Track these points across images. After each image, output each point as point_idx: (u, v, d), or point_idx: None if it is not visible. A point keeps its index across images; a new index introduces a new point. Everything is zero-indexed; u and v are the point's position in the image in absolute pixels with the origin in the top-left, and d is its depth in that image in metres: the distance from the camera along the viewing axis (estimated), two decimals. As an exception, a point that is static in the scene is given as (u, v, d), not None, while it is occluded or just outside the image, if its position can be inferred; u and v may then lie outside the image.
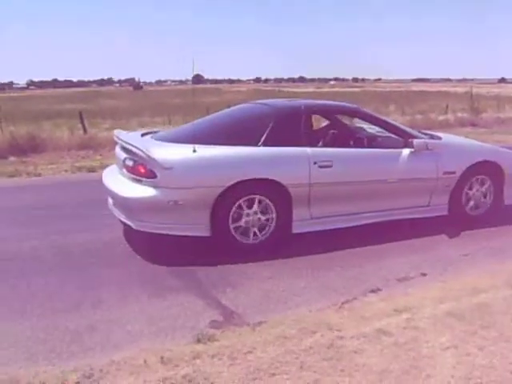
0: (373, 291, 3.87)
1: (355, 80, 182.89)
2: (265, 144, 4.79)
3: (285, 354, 2.93)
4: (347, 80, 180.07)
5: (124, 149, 4.95)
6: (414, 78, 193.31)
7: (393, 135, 5.49)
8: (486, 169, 5.58)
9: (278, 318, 3.38)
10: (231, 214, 4.55)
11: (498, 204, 5.76)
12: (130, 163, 4.68)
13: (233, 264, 4.43)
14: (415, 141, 5.25)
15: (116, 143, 5.35)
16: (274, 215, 4.71)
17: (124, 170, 4.79)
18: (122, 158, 4.86)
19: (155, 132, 5.76)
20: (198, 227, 4.55)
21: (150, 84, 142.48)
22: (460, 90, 37.54)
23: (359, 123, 6.39)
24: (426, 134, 5.80)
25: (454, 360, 2.88)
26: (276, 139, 4.85)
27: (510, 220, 5.68)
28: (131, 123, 16.32)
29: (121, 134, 5.27)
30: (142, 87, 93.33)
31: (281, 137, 4.90)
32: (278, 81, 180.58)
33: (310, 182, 4.77)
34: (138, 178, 4.56)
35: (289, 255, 4.62)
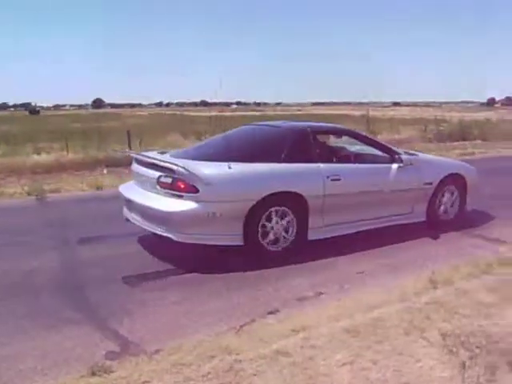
0: (271, 312, 3.90)
1: (257, 104, 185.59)
2: (285, 161, 5.33)
3: (183, 382, 2.87)
4: (249, 104, 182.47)
5: (154, 167, 5.21)
6: (313, 101, 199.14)
7: (379, 152, 6.19)
8: (454, 180, 6.55)
9: (175, 345, 3.31)
10: (260, 224, 5.01)
11: (463, 210, 6.72)
12: (167, 180, 4.95)
13: (130, 291, 4.35)
14: (403, 157, 6.08)
15: (137, 163, 5.67)
16: (295, 224, 5.25)
17: (158, 187, 5.03)
18: (155, 175, 5.09)
19: (165, 152, 6.05)
20: (233, 237, 4.97)
21: (48, 108, 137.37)
22: (357, 113, 39.09)
23: (336, 142, 6.93)
24: (404, 152, 6.52)
25: (349, 375, 2.94)
26: (293, 156, 5.43)
27: (405, 236, 5.98)
28: (26, 149, 15.61)
29: (147, 154, 5.64)
30: (38, 112, 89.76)
31: (297, 154, 5.50)
32: (180, 105, 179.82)
33: (324, 193, 5.36)
34: (177, 193, 4.88)
35: (187, 280, 4.61)
